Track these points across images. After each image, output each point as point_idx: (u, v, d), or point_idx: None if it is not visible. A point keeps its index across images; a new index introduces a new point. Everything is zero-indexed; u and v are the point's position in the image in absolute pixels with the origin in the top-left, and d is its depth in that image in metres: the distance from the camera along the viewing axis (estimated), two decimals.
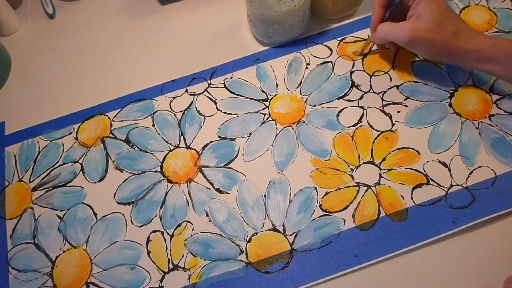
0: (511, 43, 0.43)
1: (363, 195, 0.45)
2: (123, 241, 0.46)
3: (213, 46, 0.58)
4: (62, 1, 0.67)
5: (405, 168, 0.46)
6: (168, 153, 0.51)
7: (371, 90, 0.51)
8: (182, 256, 0.44)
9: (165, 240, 0.45)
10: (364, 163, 0.47)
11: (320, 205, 0.45)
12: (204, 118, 0.52)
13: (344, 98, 0.51)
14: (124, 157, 0.51)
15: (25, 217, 0.49)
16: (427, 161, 0.46)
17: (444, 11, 0.43)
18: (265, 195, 0.46)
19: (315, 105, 0.51)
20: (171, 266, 0.44)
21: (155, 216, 0.47)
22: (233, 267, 0.43)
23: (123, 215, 0.48)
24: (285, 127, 0.50)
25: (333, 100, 0.51)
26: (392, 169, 0.46)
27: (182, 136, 0.52)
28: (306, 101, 0.51)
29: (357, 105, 0.50)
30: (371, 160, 0.47)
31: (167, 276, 0.44)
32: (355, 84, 0.52)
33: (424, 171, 0.45)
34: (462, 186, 0.44)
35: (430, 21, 0.42)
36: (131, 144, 0.52)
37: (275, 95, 0.53)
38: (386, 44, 0.50)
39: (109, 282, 0.44)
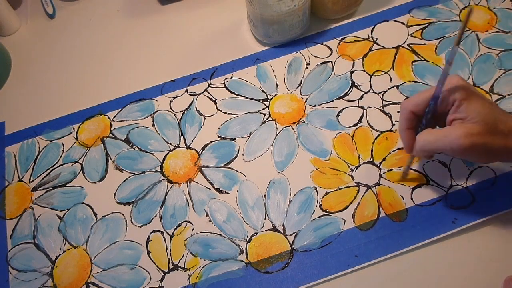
0: None
1: (363, 195, 0.45)
2: (123, 241, 0.46)
3: (213, 46, 0.58)
4: (62, 1, 0.67)
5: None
6: (168, 153, 0.51)
7: (371, 90, 0.51)
8: (182, 256, 0.44)
9: (165, 240, 0.46)
10: (364, 163, 0.47)
11: (320, 205, 0.45)
12: (204, 118, 0.52)
13: (344, 98, 0.51)
14: (124, 157, 0.51)
15: (25, 217, 0.49)
16: (427, 161, 0.46)
17: (490, 110, 0.36)
18: (265, 195, 0.46)
19: (315, 105, 0.51)
20: (171, 266, 0.44)
21: (155, 216, 0.47)
22: (233, 267, 0.43)
23: (123, 215, 0.48)
24: (285, 127, 0.50)
25: (333, 100, 0.51)
26: (392, 169, 0.46)
27: (182, 136, 0.52)
28: (306, 101, 0.51)
29: (357, 105, 0.50)
30: (371, 160, 0.47)
31: (167, 276, 0.44)
32: (355, 84, 0.52)
33: (424, 171, 0.45)
34: (462, 186, 0.44)
35: (483, 123, 0.35)
36: (131, 144, 0.52)
37: (275, 95, 0.53)
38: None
39: (109, 282, 0.44)
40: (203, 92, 0.54)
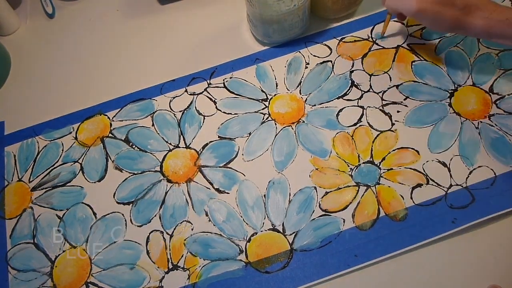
0: None
1: (363, 195, 0.45)
2: (123, 241, 0.46)
3: (213, 46, 0.58)
4: (62, 1, 0.67)
5: (405, 168, 0.46)
6: (167, 153, 0.51)
7: (370, 90, 0.51)
8: (182, 256, 0.44)
9: (164, 239, 0.45)
10: (363, 162, 0.47)
11: (320, 205, 0.45)
12: (204, 118, 0.52)
13: (343, 98, 0.51)
14: (123, 157, 0.51)
15: (24, 216, 0.49)
16: (427, 161, 0.46)
17: None
18: (264, 195, 0.46)
19: (314, 105, 0.51)
20: (170, 266, 0.44)
21: (155, 215, 0.47)
22: (232, 267, 0.43)
23: (122, 214, 0.48)
24: (285, 127, 0.50)
25: (332, 100, 0.51)
26: (391, 169, 0.46)
27: (181, 136, 0.52)
28: (305, 100, 0.51)
29: (356, 104, 0.50)
30: (371, 160, 0.47)
31: (166, 276, 0.44)
32: (355, 83, 0.52)
33: (424, 171, 0.45)
34: (462, 186, 0.44)
35: None
36: (131, 144, 0.52)
37: (275, 94, 0.52)
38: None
39: (108, 282, 0.44)
40: (202, 92, 0.54)
